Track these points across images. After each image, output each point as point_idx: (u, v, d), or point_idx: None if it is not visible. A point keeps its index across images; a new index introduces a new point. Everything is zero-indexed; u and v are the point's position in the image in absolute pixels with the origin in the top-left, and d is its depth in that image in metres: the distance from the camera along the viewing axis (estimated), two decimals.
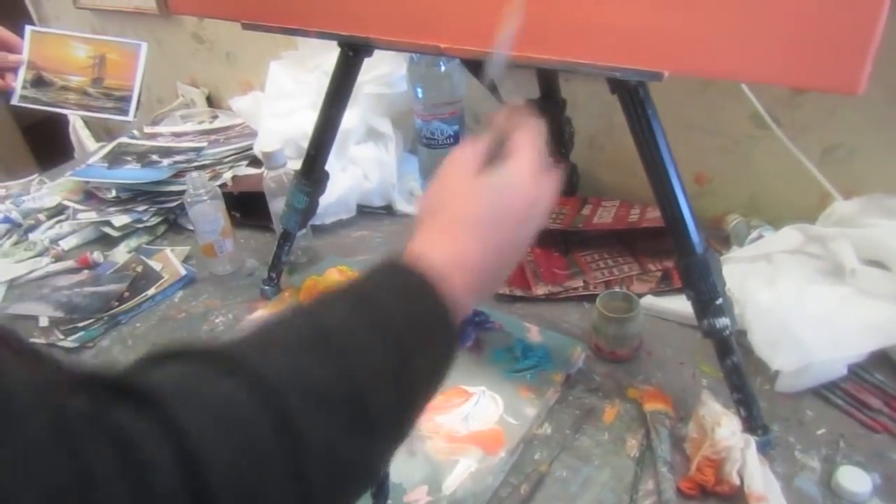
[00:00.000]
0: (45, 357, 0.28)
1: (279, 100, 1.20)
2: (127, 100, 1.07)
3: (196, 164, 1.26)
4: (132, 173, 1.24)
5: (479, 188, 0.45)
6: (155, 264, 1.05)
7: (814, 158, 0.86)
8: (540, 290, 0.90)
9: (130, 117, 1.06)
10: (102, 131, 1.88)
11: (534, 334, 0.81)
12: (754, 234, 0.89)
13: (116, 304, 0.96)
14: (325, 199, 0.97)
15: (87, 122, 1.66)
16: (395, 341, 0.34)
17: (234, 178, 1.21)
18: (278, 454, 0.27)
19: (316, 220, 1.04)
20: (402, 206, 1.17)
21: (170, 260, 1.06)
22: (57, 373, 0.28)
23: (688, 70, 0.51)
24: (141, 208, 1.16)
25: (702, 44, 0.50)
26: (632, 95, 0.58)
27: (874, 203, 0.80)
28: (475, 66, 0.70)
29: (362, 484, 0.34)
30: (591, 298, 0.82)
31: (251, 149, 1.28)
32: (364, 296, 0.36)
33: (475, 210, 0.44)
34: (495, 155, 0.48)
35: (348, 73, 0.77)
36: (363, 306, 0.35)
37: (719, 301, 0.62)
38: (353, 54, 0.75)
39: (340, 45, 0.75)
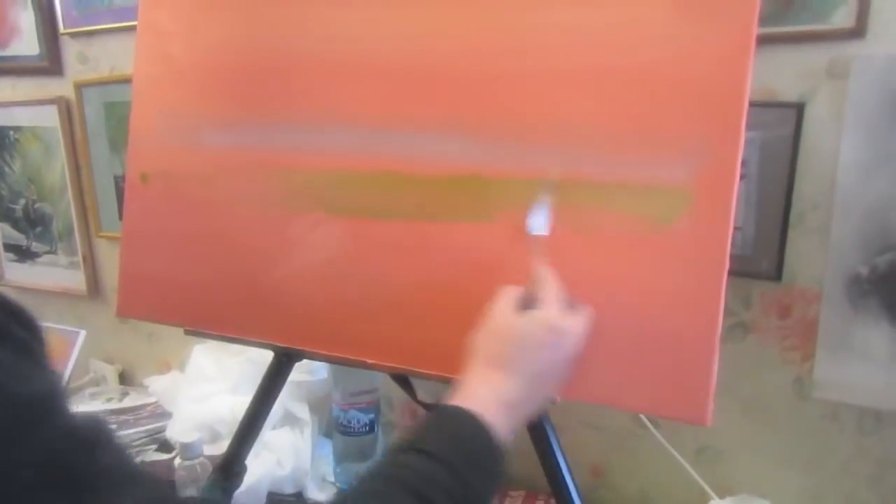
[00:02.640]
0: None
1: (199, 383, 1.24)
2: None
3: None
4: None
5: (514, 332, 0.59)
6: None
7: (689, 457, 0.97)
8: None
9: None
10: None
11: None
12: None
13: None
14: (236, 490, 0.97)
15: None
16: (457, 471, 0.51)
17: (142, 464, 1.19)
18: None
19: None
20: (313, 493, 1.17)
21: None
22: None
23: (573, 398, 0.63)
24: None
25: (583, 378, 0.62)
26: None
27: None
28: (398, 376, 0.80)
29: None
30: None
31: (163, 431, 1.27)
32: (432, 445, 0.53)
33: (510, 350, 0.59)
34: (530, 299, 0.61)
35: (280, 375, 0.85)
36: (434, 456, 0.51)
37: None
38: (286, 359, 0.84)
39: (275, 351, 0.83)
